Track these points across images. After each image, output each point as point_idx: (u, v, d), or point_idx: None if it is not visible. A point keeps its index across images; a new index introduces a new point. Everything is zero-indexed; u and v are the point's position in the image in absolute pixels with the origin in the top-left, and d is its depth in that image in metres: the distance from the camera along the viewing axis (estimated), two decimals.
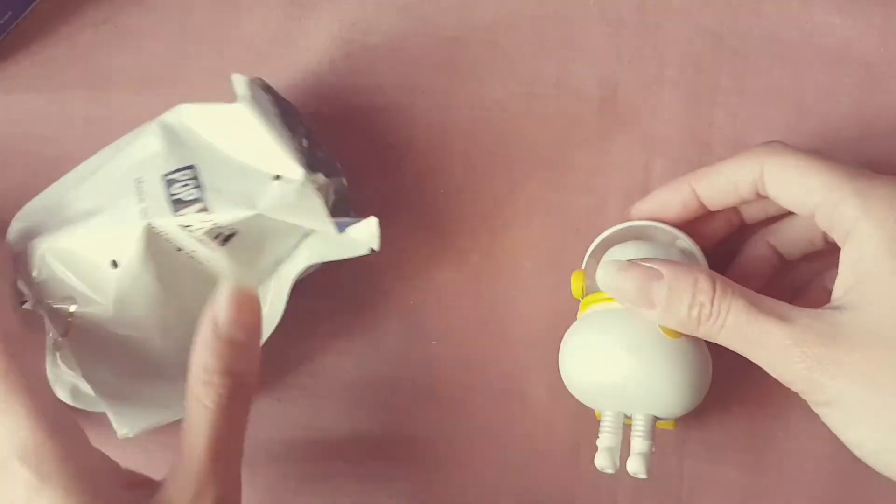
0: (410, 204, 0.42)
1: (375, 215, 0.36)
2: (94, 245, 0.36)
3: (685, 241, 0.38)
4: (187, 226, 0.35)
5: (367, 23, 0.43)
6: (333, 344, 0.42)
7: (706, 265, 0.38)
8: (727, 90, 0.42)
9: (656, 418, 0.36)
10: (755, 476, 0.40)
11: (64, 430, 0.31)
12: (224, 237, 0.36)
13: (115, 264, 0.36)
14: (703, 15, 0.43)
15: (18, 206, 0.40)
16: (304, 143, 0.38)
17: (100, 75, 0.44)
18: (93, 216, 0.36)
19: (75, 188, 0.39)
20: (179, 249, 0.36)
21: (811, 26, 0.42)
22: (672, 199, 0.38)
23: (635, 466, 0.35)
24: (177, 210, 0.35)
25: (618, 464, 0.36)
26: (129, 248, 0.36)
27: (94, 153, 0.40)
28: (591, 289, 0.38)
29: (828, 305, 0.33)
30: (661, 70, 0.42)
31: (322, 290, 0.42)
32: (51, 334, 0.38)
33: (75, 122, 0.44)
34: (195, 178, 0.36)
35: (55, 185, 0.40)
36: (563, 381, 0.38)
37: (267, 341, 0.37)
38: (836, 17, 0.42)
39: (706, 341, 0.35)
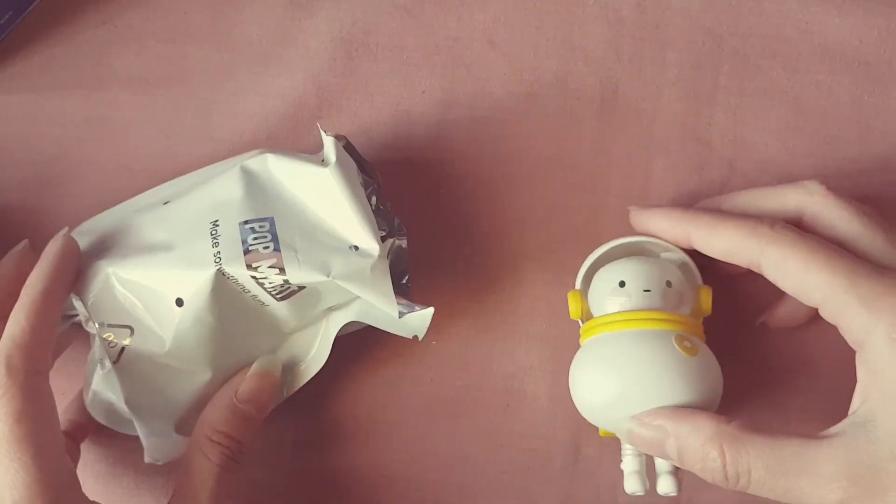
0: (410, 203, 0.42)
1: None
2: (162, 281, 0.36)
3: (679, 254, 0.38)
4: (258, 277, 0.35)
5: (367, 23, 0.43)
6: (337, 346, 0.42)
7: (699, 278, 0.38)
8: (727, 90, 0.42)
9: None
10: None
11: (60, 487, 0.33)
12: (290, 292, 0.36)
13: (179, 302, 0.35)
14: (703, 15, 0.43)
15: (19, 206, 0.40)
16: (374, 200, 0.38)
17: (100, 75, 0.44)
18: (164, 251, 0.36)
19: (145, 214, 0.38)
20: (244, 291, 0.36)
21: (811, 26, 0.42)
22: (668, 230, 0.37)
23: (667, 486, 0.35)
24: (250, 262, 0.35)
25: (647, 485, 0.36)
26: (197, 290, 0.35)
27: (94, 153, 0.40)
28: (588, 310, 0.38)
29: (851, 418, 0.32)
30: (662, 70, 0.42)
31: None
32: (96, 354, 0.37)
33: (75, 122, 0.43)
34: (272, 231, 0.36)
35: (123, 205, 0.40)
36: (563, 382, 0.38)
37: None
38: (835, 16, 0.42)
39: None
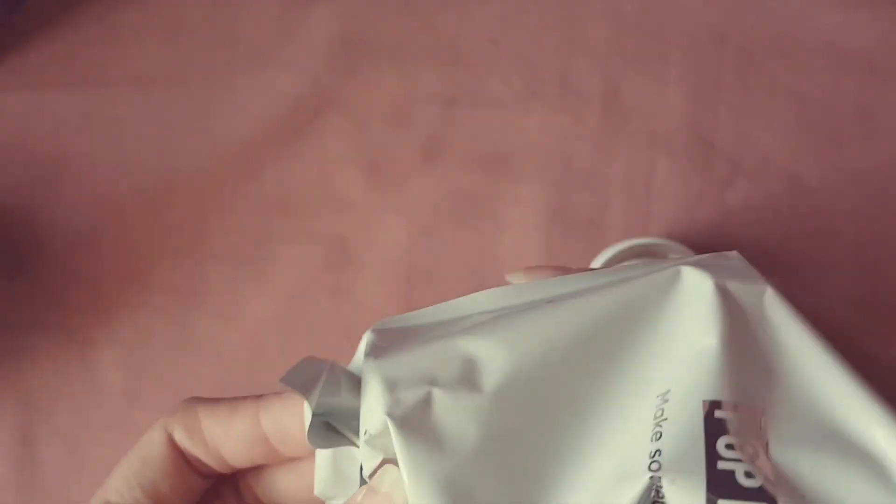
0: (401, 206, 0.42)
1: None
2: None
3: (686, 255, 0.38)
4: None
5: (366, 21, 0.43)
6: (337, 345, 0.42)
7: None
8: (731, 88, 0.42)
9: None
10: None
11: None
12: None
13: None
14: (706, 12, 0.42)
15: (15, 205, 0.39)
16: None
17: (97, 73, 0.43)
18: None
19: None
20: None
21: (815, 24, 0.42)
22: None
23: None
24: (718, 497, 0.18)
25: None
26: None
27: (92, 151, 0.39)
28: None
29: None
30: (665, 68, 0.42)
31: (330, 293, 0.41)
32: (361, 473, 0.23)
33: (72, 120, 0.43)
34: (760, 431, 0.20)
35: (441, 309, 0.24)
36: None
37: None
38: (840, 15, 0.42)
39: None
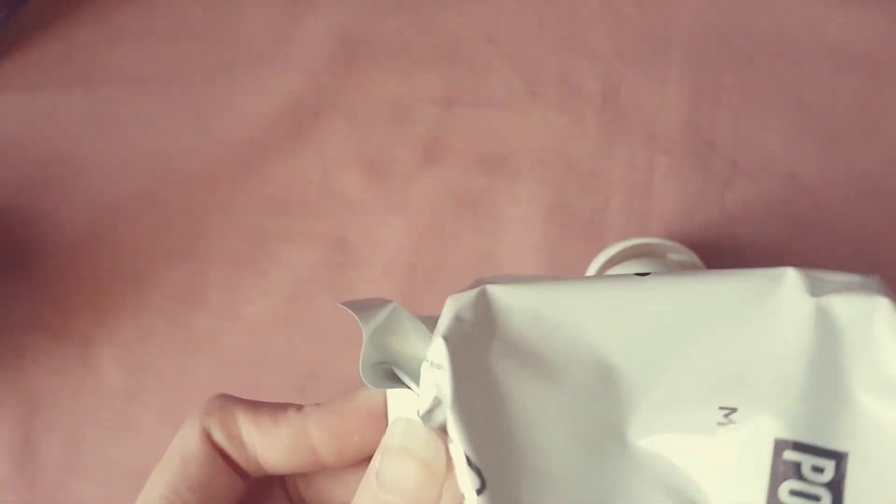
0: (401, 206, 0.42)
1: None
2: None
3: (688, 255, 0.38)
4: None
5: (366, 21, 0.43)
6: (338, 347, 0.42)
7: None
8: (731, 88, 0.42)
9: None
10: None
11: None
12: None
13: None
14: (706, 13, 0.42)
15: (14, 206, 0.39)
16: None
17: (96, 74, 0.43)
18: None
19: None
20: None
21: (815, 25, 0.42)
22: None
23: None
24: None
25: None
26: None
27: (91, 152, 0.39)
28: None
29: None
30: (664, 68, 0.42)
31: (330, 293, 0.41)
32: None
33: (72, 121, 0.43)
34: (836, 485, 0.18)
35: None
36: None
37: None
38: (840, 15, 0.42)
39: None
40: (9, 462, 0.41)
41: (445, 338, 0.19)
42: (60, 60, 0.43)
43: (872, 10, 0.42)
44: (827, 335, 0.18)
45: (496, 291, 0.20)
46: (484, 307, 0.20)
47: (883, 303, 0.18)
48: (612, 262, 0.38)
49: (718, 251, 0.39)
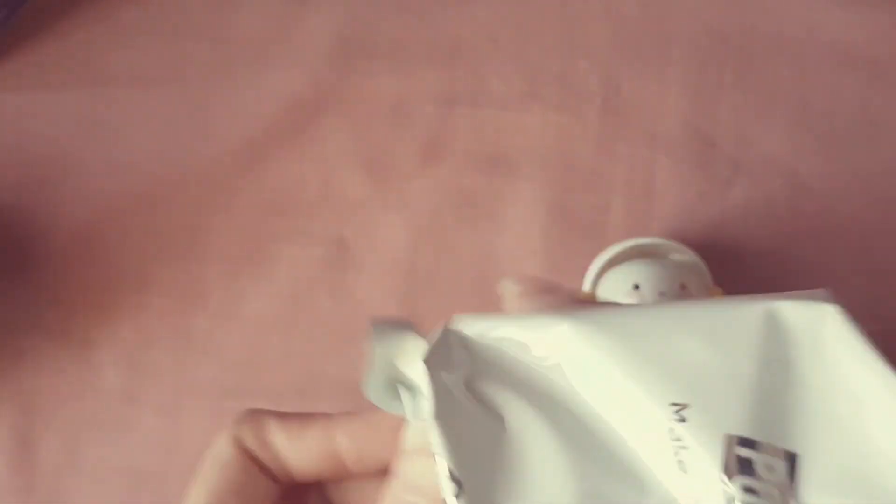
0: (401, 206, 0.42)
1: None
2: None
3: (689, 255, 0.38)
4: None
5: (366, 19, 0.43)
6: (338, 347, 0.42)
7: (710, 278, 0.38)
8: (731, 88, 0.42)
9: None
10: None
11: None
12: None
13: None
14: (707, 12, 0.42)
15: (13, 206, 0.39)
16: None
17: (95, 73, 0.43)
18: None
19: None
20: None
21: (816, 24, 0.42)
22: None
23: None
24: None
25: None
26: None
27: (90, 152, 0.39)
28: None
29: None
30: (665, 67, 0.42)
31: (330, 293, 0.41)
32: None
33: (71, 120, 0.43)
34: (785, 481, 0.18)
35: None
36: None
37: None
38: (841, 15, 0.42)
39: None
40: (7, 462, 0.41)
41: (425, 361, 0.20)
42: (60, 60, 0.43)
43: (874, 10, 0.42)
44: (778, 338, 0.19)
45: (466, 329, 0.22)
46: (464, 343, 0.21)
47: (831, 309, 0.19)
48: (613, 263, 0.38)
49: (719, 251, 0.39)
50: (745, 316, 0.19)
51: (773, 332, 0.19)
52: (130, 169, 0.43)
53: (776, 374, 0.19)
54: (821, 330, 0.19)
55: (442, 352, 0.21)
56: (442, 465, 0.20)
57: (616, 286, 0.37)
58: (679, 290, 0.36)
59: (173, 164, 0.42)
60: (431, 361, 0.21)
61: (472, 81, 0.43)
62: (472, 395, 0.21)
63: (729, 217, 0.41)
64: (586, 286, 0.38)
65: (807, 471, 0.18)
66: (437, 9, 0.43)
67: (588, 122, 0.42)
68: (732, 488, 0.18)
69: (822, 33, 0.42)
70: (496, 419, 0.20)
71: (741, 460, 0.18)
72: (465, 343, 0.22)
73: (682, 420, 0.18)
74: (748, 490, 0.18)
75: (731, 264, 0.40)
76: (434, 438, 0.20)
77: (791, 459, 0.18)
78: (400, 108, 0.43)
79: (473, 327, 0.22)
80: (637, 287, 0.36)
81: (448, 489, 0.19)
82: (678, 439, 0.18)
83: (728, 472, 0.18)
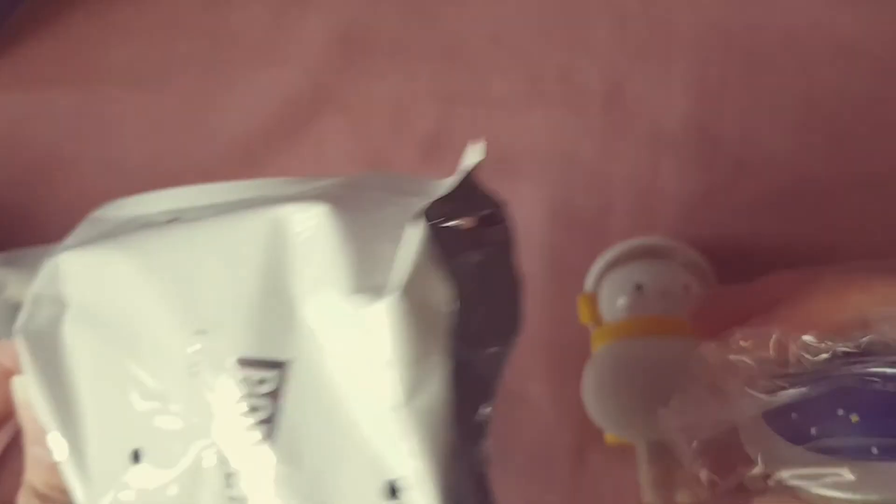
0: None
1: None
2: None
3: (691, 255, 0.37)
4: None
5: (365, 17, 0.43)
6: None
7: (712, 278, 0.37)
8: (736, 86, 0.42)
9: None
10: None
11: None
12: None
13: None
14: (711, 8, 0.42)
15: (8, 204, 0.39)
16: None
17: (91, 71, 0.43)
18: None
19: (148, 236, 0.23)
20: None
21: (822, 22, 0.42)
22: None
23: (686, 497, 0.34)
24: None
25: (667, 496, 0.35)
26: None
27: (86, 149, 0.39)
28: (600, 314, 0.37)
29: None
30: (669, 65, 0.42)
31: None
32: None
33: (68, 119, 0.43)
34: (276, 393, 0.19)
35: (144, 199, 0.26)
36: (566, 387, 0.37)
37: None
38: (846, 11, 0.42)
39: None
40: None
41: (22, 330, 0.23)
42: (56, 59, 0.43)
43: (880, 8, 0.41)
44: (278, 247, 0.19)
45: (64, 261, 0.24)
46: (56, 281, 0.24)
47: (324, 208, 0.19)
48: (616, 262, 0.37)
49: (724, 251, 0.39)
50: (251, 226, 0.20)
51: (275, 240, 0.19)
52: (128, 167, 0.43)
53: (276, 282, 0.19)
54: (316, 231, 0.19)
55: (41, 307, 0.24)
56: (43, 414, 0.22)
57: (618, 286, 0.36)
58: (682, 291, 0.35)
59: (171, 163, 0.42)
60: (28, 328, 0.23)
61: (473, 81, 0.42)
62: (67, 337, 0.23)
63: (733, 216, 0.40)
64: (588, 286, 0.38)
65: (294, 379, 0.19)
66: (437, 6, 0.43)
67: (590, 120, 0.42)
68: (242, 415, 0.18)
69: (828, 31, 0.42)
70: (83, 358, 0.22)
71: (245, 381, 0.19)
72: (61, 286, 0.24)
73: (200, 349, 0.19)
74: (247, 411, 0.19)
75: (735, 264, 0.40)
76: (32, 394, 0.22)
77: (281, 368, 0.19)
78: (400, 107, 0.42)
79: (77, 262, 0.24)
80: (640, 287, 0.36)
81: (54, 443, 0.22)
82: (195, 364, 0.20)
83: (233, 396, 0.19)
